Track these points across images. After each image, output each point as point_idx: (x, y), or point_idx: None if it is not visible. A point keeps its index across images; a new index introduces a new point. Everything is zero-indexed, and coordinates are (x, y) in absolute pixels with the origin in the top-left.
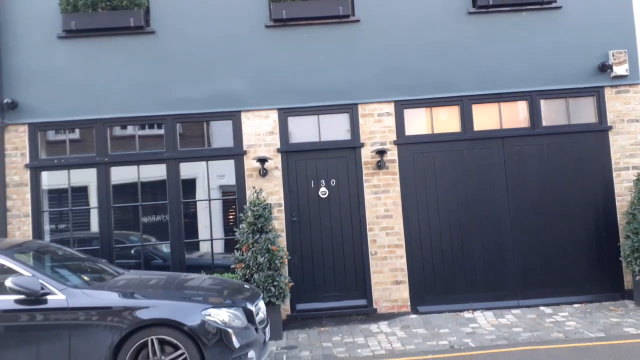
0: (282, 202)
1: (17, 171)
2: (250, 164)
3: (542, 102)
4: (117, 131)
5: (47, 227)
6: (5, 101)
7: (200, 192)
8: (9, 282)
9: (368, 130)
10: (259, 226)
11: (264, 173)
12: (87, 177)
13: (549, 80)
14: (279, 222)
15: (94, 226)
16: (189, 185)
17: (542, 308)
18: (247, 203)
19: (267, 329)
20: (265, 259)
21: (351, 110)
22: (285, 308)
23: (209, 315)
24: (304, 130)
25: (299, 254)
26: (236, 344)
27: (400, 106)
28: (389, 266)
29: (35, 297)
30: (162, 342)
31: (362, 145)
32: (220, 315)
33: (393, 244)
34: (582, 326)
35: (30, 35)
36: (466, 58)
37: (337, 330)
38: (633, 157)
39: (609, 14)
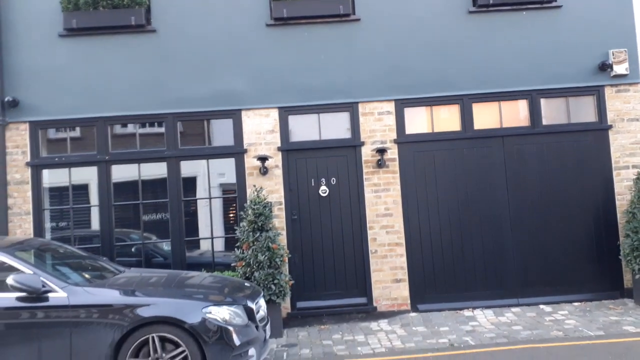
0: (283, 200)
1: (18, 169)
2: (250, 162)
3: (542, 101)
4: (118, 129)
5: (48, 225)
6: (6, 99)
7: (201, 191)
8: (10, 280)
9: (368, 129)
10: (260, 224)
11: (264, 171)
12: (87, 175)
13: (549, 79)
14: (279, 220)
15: (95, 224)
16: (190, 183)
17: (541, 306)
18: (248, 201)
19: (268, 327)
20: (266, 257)
21: (351, 108)
22: (286, 306)
23: (210, 313)
24: (304, 128)
25: (300, 252)
26: (237, 341)
27: (401, 105)
28: (389, 264)
29: (36, 295)
30: (163, 340)
31: (363, 143)
32: (221, 313)
33: (393, 243)
34: (582, 324)
35: (32, 34)
36: (466, 57)
37: (337, 328)
38: (633, 155)
39: (609, 13)
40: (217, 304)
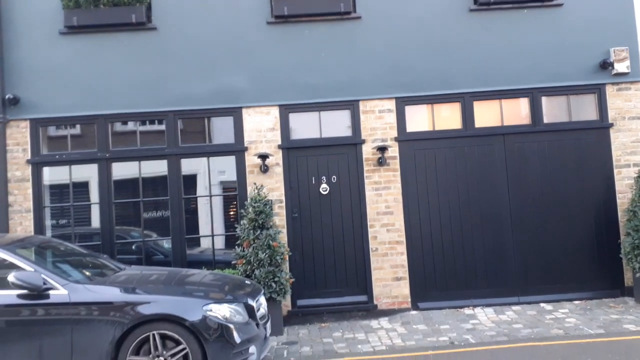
0: (283, 198)
1: (19, 167)
2: (251, 160)
3: (543, 99)
4: (119, 127)
5: (48, 222)
6: (7, 97)
7: (202, 188)
8: (11, 277)
9: (369, 127)
10: (260, 222)
11: (265, 169)
12: (88, 173)
13: (550, 77)
14: (279, 218)
15: (95, 222)
16: (190, 181)
17: (542, 305)
18: (248, 199)
19: (268, 325)
20: (266, 255)
21: (352, 106)
22: (286, 304)
23: (210, 310)
24: (305, 126)
25: (300, 250)
26: (237, 339)
27: (402, 103)
28: (389, 262)
29: (37, 292)
30: (163, 337)
31: (363, 141)
32: (221, 311)
33: (394, 241)
34: (582, 323)
35: (32, 31)
36: (467, 55)
37: (337, 326)
38: (634, 154)
39: (610, 11)
40: (218, 301)
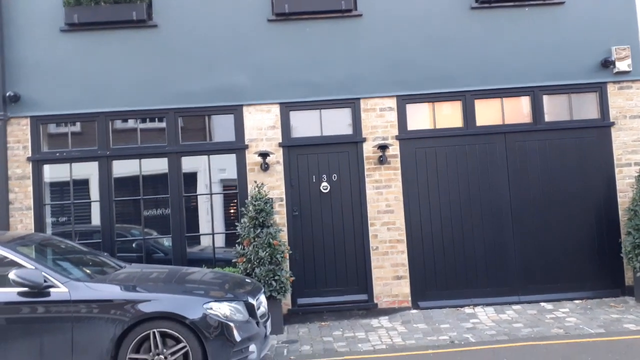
0: (284, 196)
1: (19, 164)
2: (251, 158)
3: (544, 97)
4: (119, 124)
5: (49, 220)
6: (7, 94)
7: (202, 186)
8: (12, 275)
9: (370, 125)
10: (261, 220)
11: (265, 167)
12: (88, 171)
13: (552, 75)
14: (280, 216)
15: (96, 219)
16: (191, 179)
17: (542, 304)
18: (249, 197)
19: (268, 323)
20: (267, 254)
21: (353, 105)
22: (287, 302)
23: (211, 308)
24: (305, 124)
25: (300, 249)
26: (237, 337)
27: (403, 101)
28: (390, 261)
29: (38, 290)
30: (163, 335)
31: (364, 140)
32: (221, 309)
33: (394, 239)
34: (583, 322)
35: (33, 29)
36: (469, 53)
37: (337, 324)
38: (635, 153)
39: (612, 10)
40: (218, 300)
